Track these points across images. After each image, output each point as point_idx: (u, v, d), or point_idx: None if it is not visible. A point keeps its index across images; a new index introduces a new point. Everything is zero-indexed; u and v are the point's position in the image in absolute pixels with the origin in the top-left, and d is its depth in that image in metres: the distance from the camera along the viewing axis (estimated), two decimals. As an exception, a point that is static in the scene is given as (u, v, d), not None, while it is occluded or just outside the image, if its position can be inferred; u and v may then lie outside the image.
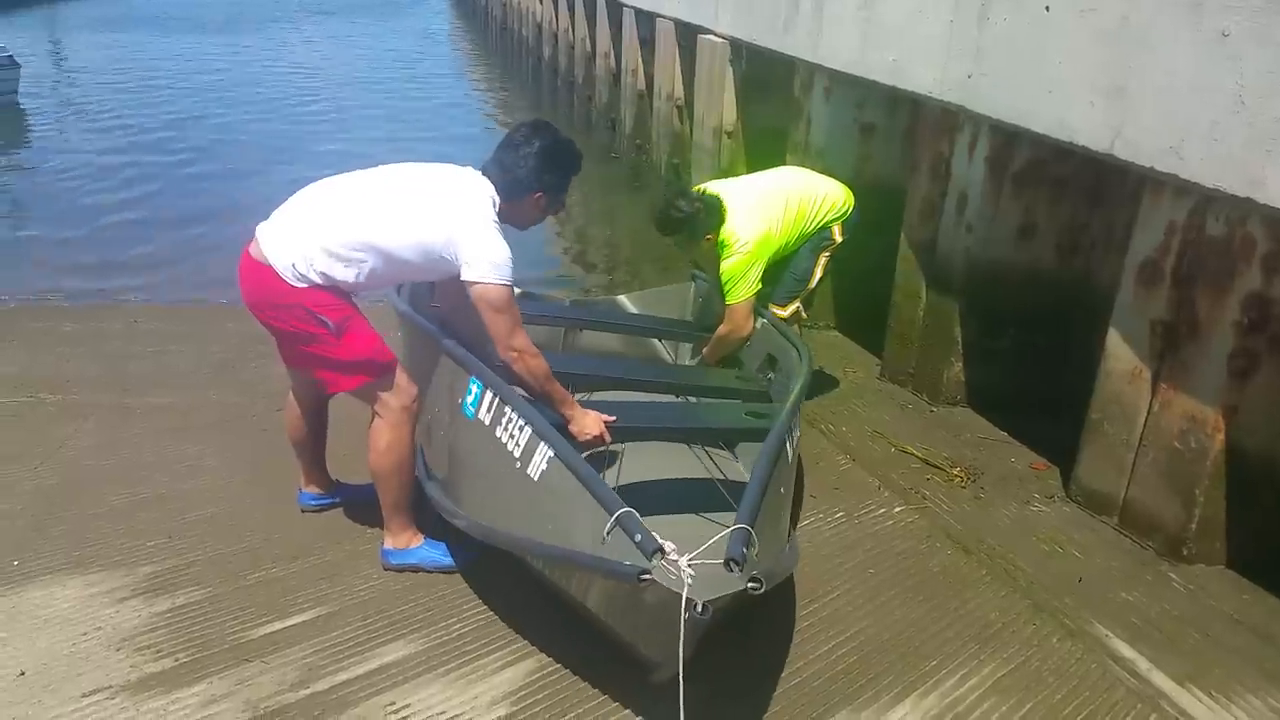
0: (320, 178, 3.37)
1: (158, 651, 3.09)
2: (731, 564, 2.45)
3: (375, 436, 3.42)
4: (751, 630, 3.17)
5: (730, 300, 4.48)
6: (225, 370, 5.38)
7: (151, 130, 13.86)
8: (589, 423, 3.36)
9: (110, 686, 2.93)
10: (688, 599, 2.32)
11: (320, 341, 3.27)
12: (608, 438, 3.40)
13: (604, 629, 2.86)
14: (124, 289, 7.38)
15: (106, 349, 5.68)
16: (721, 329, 4.55)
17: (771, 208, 4.58)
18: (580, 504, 2.73)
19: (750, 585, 2.40)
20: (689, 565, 2.40)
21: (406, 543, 3.56)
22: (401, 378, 3.40)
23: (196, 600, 3.36)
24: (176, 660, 3.06)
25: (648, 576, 2.37)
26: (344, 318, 3.26)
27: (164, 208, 10.08)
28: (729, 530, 2.56)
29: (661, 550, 2.44)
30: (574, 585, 2.90)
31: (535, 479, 2.93)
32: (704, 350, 4.71)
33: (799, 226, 4.67)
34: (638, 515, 2.58)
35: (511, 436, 3.07)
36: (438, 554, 3.56)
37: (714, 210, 4.48)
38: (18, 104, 15.52)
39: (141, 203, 10.25)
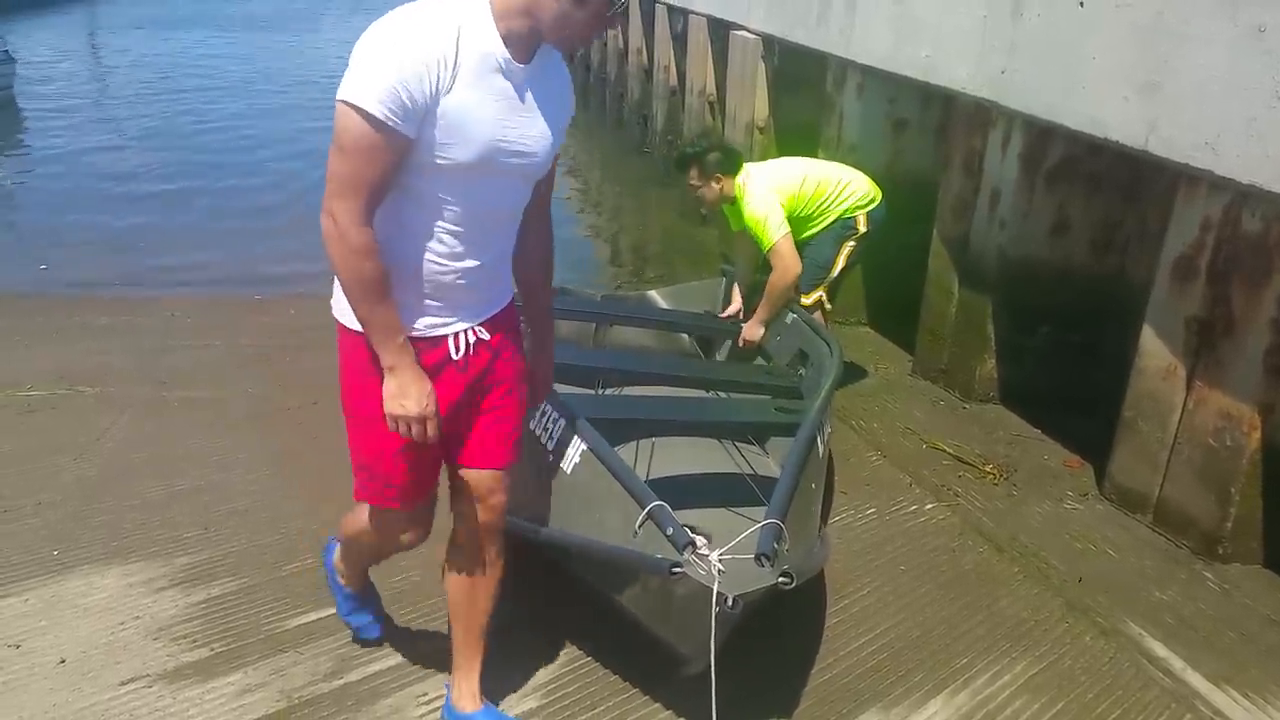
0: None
1: (194, 641, 3.13)
2: (762, 559, 2.45)
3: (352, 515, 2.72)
4: (782, 626, 3.16)
5: (766, 245, 4.59)
6: (260, 363, 5.43)
7: (177, 127, 14.00)
8: (409, 388, 2.20)
9: (147, 675, 2.97)
10: (718, 593, 2.32)
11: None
12: (421, 424, 2.24)
13: (635, 622, 2.87)
14: (159, 283, 7.44)
15: (142, 342, 5.75)
16: (771, 278, 4.64)
17: (788, 178, 4.76)
18: (612, 497, 2.75)
19: (781, 580, 2.40)
20: (720, 559, 2.40)
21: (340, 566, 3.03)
22: (401, 522, 2.53)
23: (232, 591, 3.40)
24: (212, 650, 3.09)
25: (679, 569, 2.37)
26: (351, 350, 2.30)
27: (193, 202, 10.17)
28: (760, 525, 2.56)
29: (693, 544, 2.45)
30: (605, 578, 2.91)
31: (568, 472, 2.95)
32: (757, 309, 4.74)
33: (816, 202, 4.78)
34: (669, 509, 2.59)
35: (545, 429, 3.08)
36: (351, 610, 3.07)
37: (729, 157, 4.68)
38: (14, 99, 15.48)
39: (172, 197, 10.34)
